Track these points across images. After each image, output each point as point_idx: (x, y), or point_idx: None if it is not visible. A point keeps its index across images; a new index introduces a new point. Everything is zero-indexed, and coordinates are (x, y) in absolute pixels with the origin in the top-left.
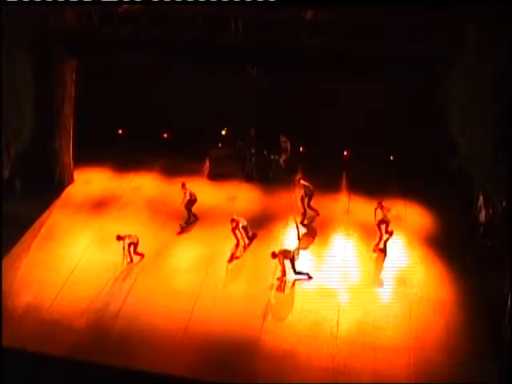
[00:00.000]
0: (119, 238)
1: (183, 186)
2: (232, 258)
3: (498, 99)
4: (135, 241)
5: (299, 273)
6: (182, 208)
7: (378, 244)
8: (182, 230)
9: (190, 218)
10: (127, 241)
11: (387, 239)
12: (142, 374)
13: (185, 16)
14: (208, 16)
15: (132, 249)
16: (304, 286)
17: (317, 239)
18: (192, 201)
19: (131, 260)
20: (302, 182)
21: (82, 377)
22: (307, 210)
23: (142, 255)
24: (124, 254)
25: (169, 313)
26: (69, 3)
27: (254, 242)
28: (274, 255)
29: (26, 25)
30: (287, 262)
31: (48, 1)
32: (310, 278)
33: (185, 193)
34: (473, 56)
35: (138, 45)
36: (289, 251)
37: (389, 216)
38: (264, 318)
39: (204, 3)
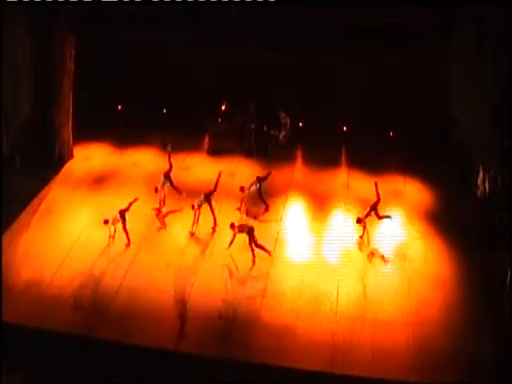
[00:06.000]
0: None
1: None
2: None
3: (497, 71)
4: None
5: (260, 247)
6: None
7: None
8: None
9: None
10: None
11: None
12: (142, 349)
13: None
14: None
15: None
16: (303, 261)
17: (316, 214)
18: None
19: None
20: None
21: (81, 352)
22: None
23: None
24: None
25: (168, 288)
26: (69, 3)
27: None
28: (232, 226)
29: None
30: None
31: (48, 0)
32: (269, 253)
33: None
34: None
35: (137, 19)
36: (246, 225)
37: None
38: (264, 293)
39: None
